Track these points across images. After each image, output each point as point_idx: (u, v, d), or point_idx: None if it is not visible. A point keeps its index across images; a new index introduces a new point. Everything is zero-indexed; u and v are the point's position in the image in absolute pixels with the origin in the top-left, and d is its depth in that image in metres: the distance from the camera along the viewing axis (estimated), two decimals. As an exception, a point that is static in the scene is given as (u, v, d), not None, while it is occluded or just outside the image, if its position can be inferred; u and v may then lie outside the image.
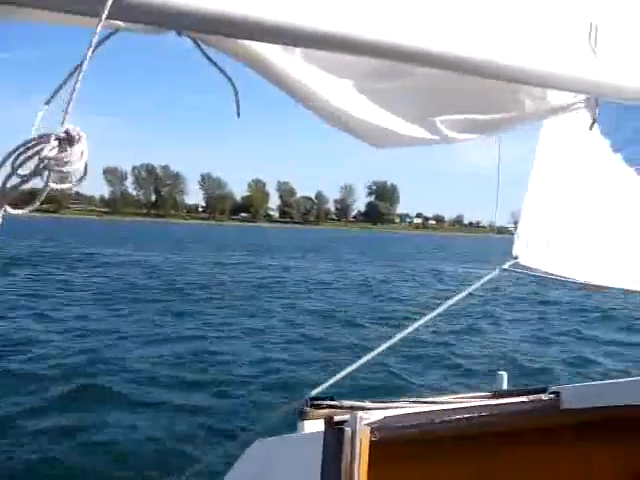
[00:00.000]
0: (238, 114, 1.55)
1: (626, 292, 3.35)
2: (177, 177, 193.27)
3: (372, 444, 1.79)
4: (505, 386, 2.83)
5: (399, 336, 2.78)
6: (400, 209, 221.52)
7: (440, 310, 2.84)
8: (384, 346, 2.78)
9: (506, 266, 2.95)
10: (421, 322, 2.85)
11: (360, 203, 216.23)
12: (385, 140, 1.95)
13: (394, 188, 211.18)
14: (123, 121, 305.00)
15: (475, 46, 1.77)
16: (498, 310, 19.63)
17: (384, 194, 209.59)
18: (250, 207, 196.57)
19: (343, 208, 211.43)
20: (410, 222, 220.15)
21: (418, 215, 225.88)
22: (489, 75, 1.87)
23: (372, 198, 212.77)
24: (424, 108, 1.94)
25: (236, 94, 1.55)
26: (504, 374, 2.73)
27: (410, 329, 2.81)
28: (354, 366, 2.69)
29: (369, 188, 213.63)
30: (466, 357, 13.68)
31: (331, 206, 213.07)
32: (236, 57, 1.53)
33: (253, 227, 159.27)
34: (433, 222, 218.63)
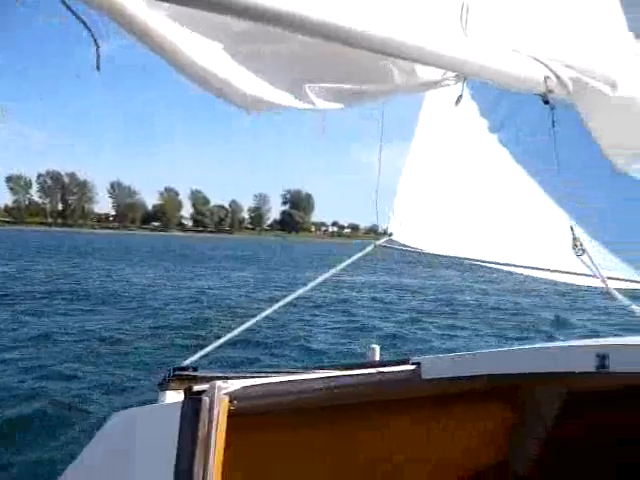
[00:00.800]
0: (97, 67, 1.55)
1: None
2: (85, 185, 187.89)
3: (231, 414, 1.77)
4: (377, 359, 2.87)
5: (270, 310, 2.81)
6: (316, 217, 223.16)
7: (315, 284, 2.90)
8: (251, 322, 2.78)
9: (380, 242, 3.04)
10: (295, 295, 2.88)
11: (275, 212, 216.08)
12: (255, 105, 1.97)
13: (309, 197, 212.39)
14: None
15: (347, 16, 1.83)
16: (377, 286, 20.78)
17: (299, 203, 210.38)
18: (162, 216, 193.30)
19: (257, 217, 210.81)
20: (325, 231, 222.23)
21: (334, 223, 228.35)
22: (361, 45, 1.92)
23: (287, 207, 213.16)
24: (294, 74, 1.97)
25: (97, 48, 1.55)
26: (376, 347, 2.79)
27: (282, 303, 2.84)
28: (224, 339, 2.69)
29: (283, 197, 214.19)
30: (342, 332, 14.64)
31: (245, 214, 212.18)
32: (99, 8, 1.51)
33: (165, 236, 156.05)
34: (348, 230, 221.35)
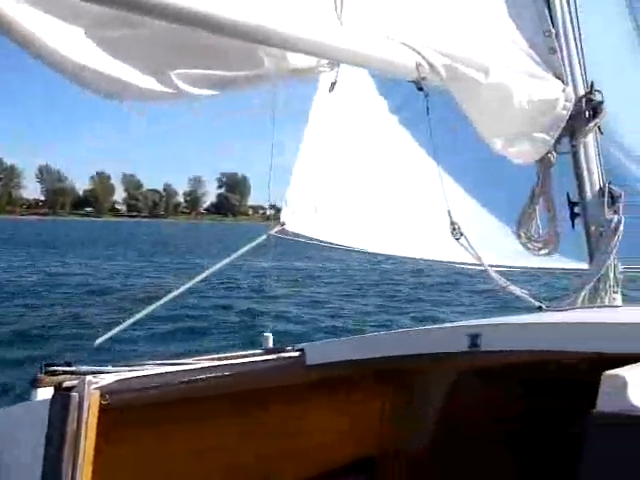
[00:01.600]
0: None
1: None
2: (12, 170, 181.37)
3: (104, 409, 1.72)
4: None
5: (161, 302, 2.78)
6: (253, 201, 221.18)
7: (209, 273, 2.89)
8: (143, 312, 2.76)
9: (273, 232, 3.05)
10: (187, 286, 2.87)
11: (212, 195, 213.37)
12: (121, 93, 1.94)
13: (245, 179, 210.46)
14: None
15: (215, 3, 1.82)
16: (272, 274, 21.04)
17: (235, 186, 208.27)
18: (94, 201, 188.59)
19: (193, 200, 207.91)
20: (263, 214, 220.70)
21: (272, 206, 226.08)
22: (227, 33, 1.91)
23: (223, 190, 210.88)
24: (159, 60, 1.92)
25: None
26: (269, 335, 2.80)
27: (172, 295, 2.83)
28: (112, 332, 2.65)
29: (219, 180, 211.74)
30: (237, 321, 14.47)
31: (181, 199, 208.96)
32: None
33: (97, 222, 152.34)
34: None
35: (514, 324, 2.20)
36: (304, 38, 2.05)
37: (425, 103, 2.42)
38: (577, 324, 2.07)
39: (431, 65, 2.31)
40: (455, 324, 2.39)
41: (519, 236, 2.97)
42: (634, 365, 1.11)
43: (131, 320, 2.73)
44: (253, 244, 3.03)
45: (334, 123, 3.34)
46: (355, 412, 2.49)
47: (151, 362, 2.13)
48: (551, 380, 2.36)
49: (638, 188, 3.48)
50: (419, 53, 2.29)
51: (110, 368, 1.97)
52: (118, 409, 1.80)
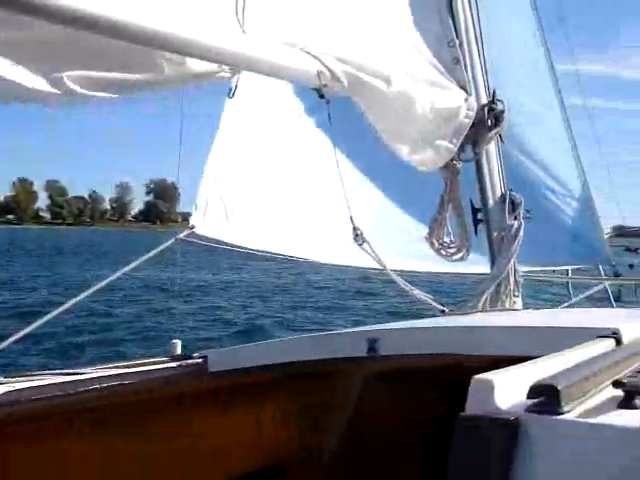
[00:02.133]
0: None
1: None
2: None
3: None
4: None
5: (62, 308, 2.71)
6: (183, 208, 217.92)
7: (113, 278, 2.83)
8: (45, 318, 2.68)
9: (182, 236, 3.01)
10: (91, 291, 2.80)
11: (139, 202, 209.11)
12: (9, 95, 1.88)
13: (174, 186, 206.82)
14: None
15: (111, 6, 1.78)
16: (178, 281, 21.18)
17: (164, 192, 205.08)
18: (16, 208, 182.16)
19: (120, 207, 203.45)
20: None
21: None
22: (126, 38, 1.87)
23: (151, 197, 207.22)
24: (51, 62, 1.88)
25: None
26: (178, 342, 2.74)
27: (75, 300, 2.75)
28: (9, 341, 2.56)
29: (147, 187, 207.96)
30: (144, 328, 14.35)
31: (107, 205, 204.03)
32: None
33: (17, 229, 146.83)
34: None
35: (410, 328, 2.23)
36: (203, 44, 2.04)
37: (327, 110, 2.43)
38: (471, 327, 2.12)
39: (332, 73, 2.32)
40: (355, 329, 2.40)
41: (431, 243, 3.01)
42: (505, 369, 1.12)
43: (21, 333, 2.63)
44: (160, 248, 2.98)
45: (245, 127, 3.32)
46: (261, 419, 2.46)
47: (47, 372, 2.07)
48: (458, 383, 2.39)
49: (546, 194, 3.61)
50: (320, 61, 2.30)
51: (1, 379, 1.92)
52: (7, 422, 1.75)
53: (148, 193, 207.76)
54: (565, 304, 3.87)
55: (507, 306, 2.77)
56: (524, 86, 3.62)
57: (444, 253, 3.01)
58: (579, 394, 1.02)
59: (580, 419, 0.95)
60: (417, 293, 2.79)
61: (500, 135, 2.90)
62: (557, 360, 1.19)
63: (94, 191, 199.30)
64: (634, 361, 1.32)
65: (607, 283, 4.08)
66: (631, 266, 4.28)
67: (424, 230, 3.05)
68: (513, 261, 2.79)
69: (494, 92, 2.88)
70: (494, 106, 2.86)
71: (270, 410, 2.49)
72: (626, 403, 1.01)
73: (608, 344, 1.46)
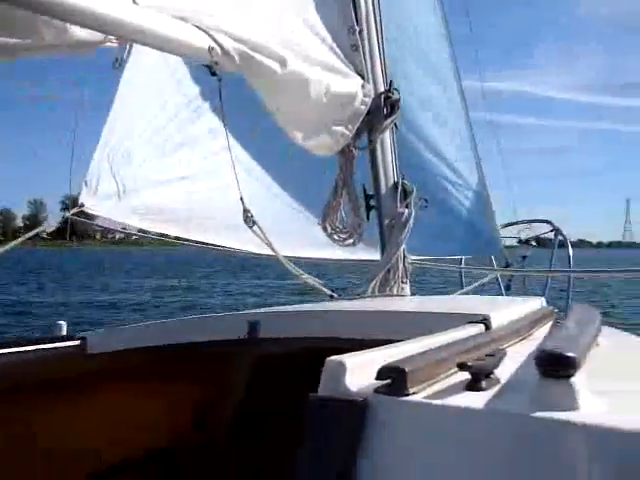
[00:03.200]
0: None
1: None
2: None
3: None
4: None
5: None
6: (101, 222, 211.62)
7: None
8: None
9: (70, 214, 2.91)
10: None
11: (55, 218, 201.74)
12: None
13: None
14: None
15: None
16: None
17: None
18: None
19: (34, 224, 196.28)
20: (112, 237, 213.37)
21: (123, 229, 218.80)
22: (7, 1, 1.80)
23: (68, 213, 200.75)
24: None
25: None
26: (63, 323, 2.64)
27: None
28: None
29: (63, 203, 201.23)
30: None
31: (20, 223, 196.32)
32: None
33: None
34: (136, 237, 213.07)
35: (290, 312, 2.25)
36: (89, 11, 1.96)
37: (219, 88, 2.39)
38: (348, 312, 2.14)
39: (224, 50, 2.29)
40: (237, 313, 2.38)
41: (324, 228, 3.01)
42: (362, 351, 1.13)
43: None
44: (42, 228, 2.87)
45: (140, 102, 3.25)
46: (144, 403, 2.40)
47: None
48: None
49: (445, 185, 3.69)
50: (212, 37, 2.27)
51: None
52: None
53: (64, 209, 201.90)
54: (457, 292, 3.96)
55: (395, 292, 2.80)
56: (429, 82, 3.70)
57: (336, 238, 3.02)
58: (427, 376, 1.04)
59: (425, 400, 0.97)
60: (306, 277, 2.79)
61: (395, 124, 2.94)
62: (417, 344, 1.22)
63: (5, 208, 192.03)
64: (497, 345, 1.36)
65: (497, 273, 4.23)
66: (524, 257, 4.42)
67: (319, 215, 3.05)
68: (402, 248, 2.82)
69: (391, 81, 2.92)
70: (390, 94, 2.90)
71: (154, 393, 2.42)
72: (472, 385, 1.03)
73: (477, 329, 1.50)
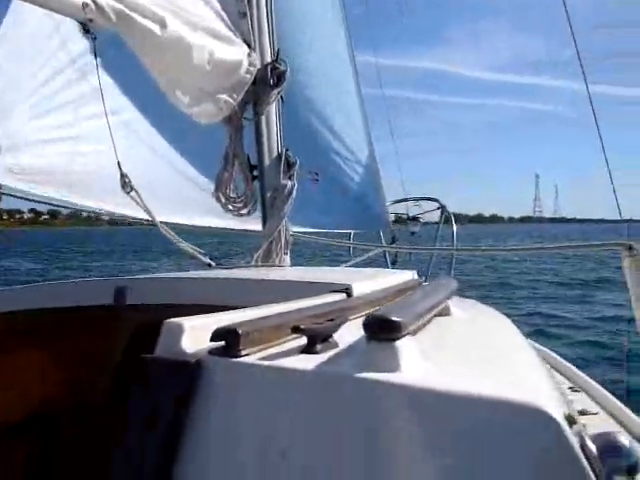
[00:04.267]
0: None
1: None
2: None
3: None
4: None
5: None
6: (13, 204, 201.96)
7: None
8: None
9: None
10: None
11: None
12: None
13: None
14: None
15: None
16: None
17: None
18: None
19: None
20: (20, 218, 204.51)
21: (31, 210, 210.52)
22: None
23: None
24: None
25: None
26: None
27: None
28: None
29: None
30: None
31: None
32: None
33: None
34: (47, 217, 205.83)
35: (156, 278, 2.23)
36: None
37: (93, 47, 2.30)
38: (212, 279, 2.15)
39: (99, 7, 2.19)
40: (103, 278, 2.33)
41: (218, 198, 2.96)
42: (202, 315, 1.14)
43: None
44: None
45: (23, 58, 3.09)
46: (13, 370, 2.33)
47: None
48: None
49: (336, 160, 3.70)
50: None
51: None
52: None
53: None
54: (344, 265, 4.01)
55: (277, 263, 2.80)
56: (323, 56, 3.67)
57: (231, 208, 2.97)
58: (263, 339, 1.06)
59: (257, 362, 0.98)
60: (185, 246, 2.75)
61: (282, 96, 2.91)
62: (264, 310, 1.23)
63: None
64: (354, 313, 1.39)
65: (384, 249, 4.31)
66: (413, 233, 4.53)
67: (211, 184, 3.00)
68: (285, 220, 2.82)
69: (278, 51, 2.88)
70: (278, 65, 2.86)
71: (17, 360, 2.36)
72: (307, 349, 1.05)
73: (338, 297, 1.54)
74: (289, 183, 2.83)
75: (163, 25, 2.37)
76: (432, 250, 4.20)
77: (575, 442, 0.90)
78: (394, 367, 0.93)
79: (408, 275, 2.32)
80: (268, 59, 2.88)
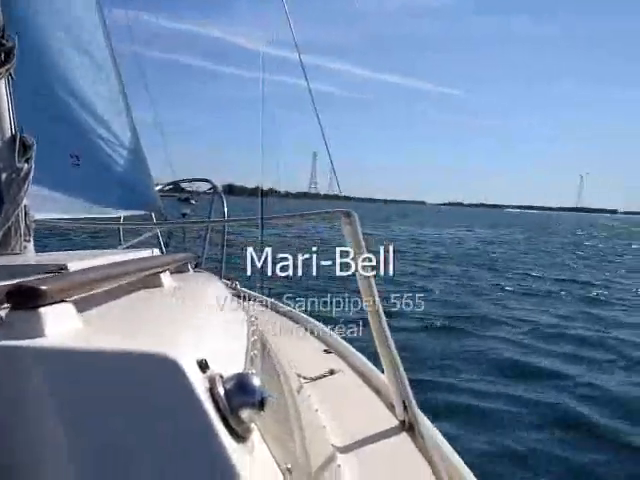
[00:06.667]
0: None
1: None
2: None
3: None
4: None
5: None
6: None
7: None
8: None
9: None
10: None
11: None
12: None
13: None
14: None
15: None
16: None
17: None
18: None
19: None
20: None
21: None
22: None
23: None
24: None
25: None
26: None
27: None
28: None
29: None
30: None
31: None
32: None
33: None
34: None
35: None
36: None
37: None
38: None
39: None
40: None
41: None
42: None
43: None
44: None
45: None
46: None
47: None
48: None
49: (99, 144, 3.54)
50: None
51: None
52: None
53: None
54: (115, 249, 3.90)
55: (17, 250, 2.65)
56: (78, 31, 3.47)
57: None
58: None
59: None
60: None
61: (11, 73, 2.73)
62: None
63: None
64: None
65: (157, 230, 4.28)
66: (184, 214, 4.55)
67: None
68: (23, 205, 2.67)
69: (4, 27, 2.70)
70: (4, 42, 2.68)
71: None
72: None
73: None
74: (26, 166, 2.66)
75: None
76: (184, 225, 4.31)
77: (201, 384, 0.98)
78: (35, 333, 0.96)
79: (146, 252, 2.32)
80: (-12, 36, 2.68)
